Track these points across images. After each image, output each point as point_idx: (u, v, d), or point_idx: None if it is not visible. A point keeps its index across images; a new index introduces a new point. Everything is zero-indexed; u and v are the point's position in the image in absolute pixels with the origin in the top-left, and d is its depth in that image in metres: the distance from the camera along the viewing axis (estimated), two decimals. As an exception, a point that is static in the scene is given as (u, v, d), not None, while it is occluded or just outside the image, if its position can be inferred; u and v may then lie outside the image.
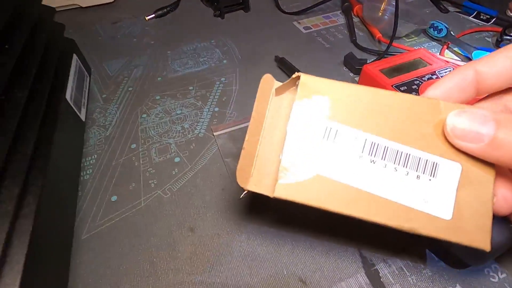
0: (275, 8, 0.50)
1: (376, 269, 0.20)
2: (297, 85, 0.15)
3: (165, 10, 0.50)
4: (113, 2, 0.54)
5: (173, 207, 0.24)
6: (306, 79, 0.16)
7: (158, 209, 0.24)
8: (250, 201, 0.24)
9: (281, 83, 0.17)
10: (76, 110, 0.23)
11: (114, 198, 0.25)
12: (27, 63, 0.16)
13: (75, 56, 0.25)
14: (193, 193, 0.25)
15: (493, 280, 0.20)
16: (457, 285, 0.19)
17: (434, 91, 0.16)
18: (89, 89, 0.29)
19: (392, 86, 0.29)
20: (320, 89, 0.15)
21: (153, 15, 0.49)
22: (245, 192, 0.25)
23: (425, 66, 0.31)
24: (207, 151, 0.28)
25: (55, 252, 0.17)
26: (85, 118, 0.26)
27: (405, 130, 0.14)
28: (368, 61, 0.36)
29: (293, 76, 0.16)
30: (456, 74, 0.16)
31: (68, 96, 0.22)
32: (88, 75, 0.29)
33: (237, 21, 0.48)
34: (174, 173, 0.27)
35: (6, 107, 0.14)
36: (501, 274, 0.20)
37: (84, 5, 0.52)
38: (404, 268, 0.20)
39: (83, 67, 0.28)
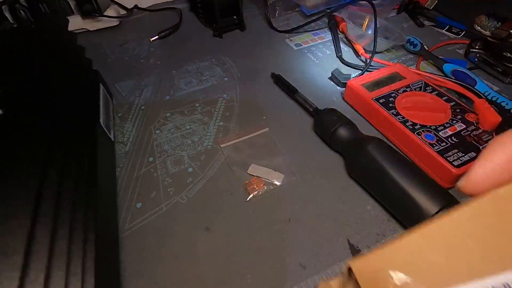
0: (268, 27, 0.55)
1: (362, 254, 0.25)
2: (355, 279, 0.10)
3: (167, 31, 0.54)
4: (118, 25, 0.58)
5: (190, 211, 0.29)
6: (359, 267, 0.10)
7: (178, 213, 0.29)
8: (256, 203, 0.29)
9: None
10: (107, 133, 0.27)
11: (139, 205, 0.29)
12: (77, 97, 0.20)
13: (101, 86, 0.30)
14: (207, 198, 0.30)
15: None
16: None
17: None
18: (113, 112, 0.33)
19: (372, 99, 0.34)
20: (379, 267, 0.10)
21: (157, 36, 0.54)
22: (251, 196, 0.29)
23: (401, 79, 0.36)
24: (215, 161, 0.33)
25: (110, 251, 0.22)
26: (114, 138, 0.30)
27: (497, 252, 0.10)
28: (352, 76, 0.41)
29: (343, 270, 0.10)
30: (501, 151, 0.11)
31: (101, 121, 0.26)
32: (111, 100, 0.33)
33: (234, 40, 0.52)
34: (188, 182, 0.31)
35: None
36: None
37: (91, 29, 0.57)
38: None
39: (107, 95, 0.32)
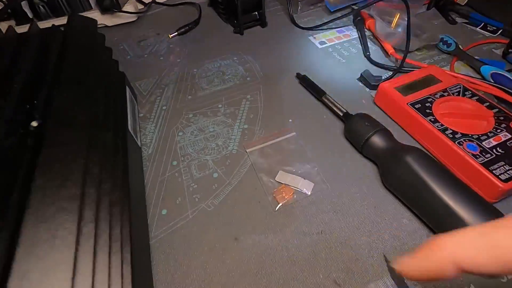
0: (290, 23, 0.53)
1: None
2: None
3: (186, 27, 0.53)
4: (135, 20, 0.57)
5: (217, 219, 0.28)
6: None
7: (204, 221, 0.28)
8: (285, 213, 0.28)
9: None
10: (135, 139, 0.27)
11: (164, 211, 0.29)
12: (109, 104, 0.20)
13: (127, 89, 0.29)
14: (234, 206, 0.29)
15: (502, 280, 0.23)
16: (471, 285, 0.23)
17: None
18: (138, 115, 0.32)
19: (407, 104, 0.32)
20: None
21: (176, 33, 0.52)
22: (280, 205, 0.28)
23: (437, 83, 0.34)
24: (241, 167, 0.32)
25: (143, 257, 0.21)
26: (140, 144, 0.29)
27: None
28: (382, 77, 0.39)
29: None
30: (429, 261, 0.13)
31: (129, 127, 0.25)
32: (136, 103, 0.32)
33: (256, 37, 0.51)
34: (214, 188, 0.30)
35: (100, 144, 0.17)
36: (510, 275, 0.23)
37: (110, 24, 0.56)
38: (424, 271, 0.23)
39: (132, 97, 0.31)
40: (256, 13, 0.51)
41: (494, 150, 0.27)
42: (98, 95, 0.19)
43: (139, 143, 0.28)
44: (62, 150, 0.16)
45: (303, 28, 0.51)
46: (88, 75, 0.21)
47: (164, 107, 0.39)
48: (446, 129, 0.29)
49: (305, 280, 0.24)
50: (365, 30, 0.48)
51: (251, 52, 0.47)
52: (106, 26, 0.56)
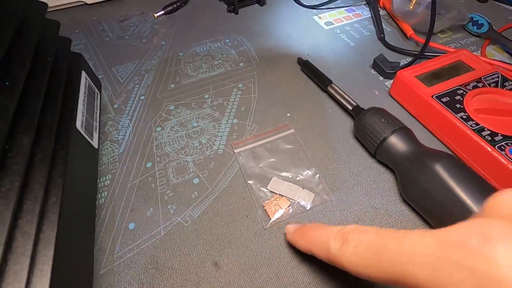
0: (292, 0, 0.46)
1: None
2: None
3: (174, 5, 0.46)
4: (119, -3, 0.51)
5: (194, 237, 0.23)
6: None
7: (179, 239, 0.23)
8: (278, 231, 0.22)
9: None
10: (88, 138, 0.21)
11: (131, 225, 0.23)
12: (31, 96, 0.14)
13: (84, 74, 0.23)
14: (215, 221, 0.23)
15: None
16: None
17: None
18: (100, 108, 0.27)
19: (431, 96, 0.26)
20: None
21: (162, 12, 0.46)
22: (272, 220, 0.23)
23: (468, 71, 0.28)
24: (228, 171, 0.26)
25: None
26: (98, 145, 0.24)
27: None
28: (400, 64, 0.32)
29: None
30: None
31: (78, 124, 0.19)
32: (98, 92, 0.27)
33: (252, 17, 0.44)
34: (193, 197, 0.25)
35: (12, 155, 0.12)
36: None
37: (89, 2, 0.49)
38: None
39: (93, 85, 0.25)
40: (254, -12, 0.45)
41: (546, 158, 0.21)
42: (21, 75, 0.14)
43: (94, 144, 0.23)
44: None
45: (306, 7, 0.44)
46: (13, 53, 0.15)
47: (142, 97, 0.34)
48: (483, 129, 0.23)
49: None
50: (379, 8, 0.41)
51: (246, 34, 0.41)
52: (86, 4, 0.50)
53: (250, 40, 0.40)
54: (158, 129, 0.30)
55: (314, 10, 0.44)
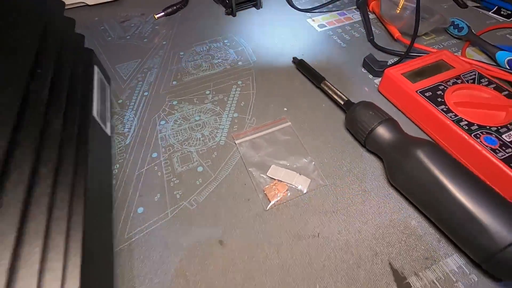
0: (287, 4, 0.49)
1: (408, 282, 0.21)
2: None
3: (174, 7, 0.48)
4: (119, -1, 0.52)
5: (200, 219, 0.24)
6: None
7: (186, 221, 0.24)
8: (277, 212, 0.24)
9: None
10: (102, 126, 0.23)
11: (140, 209, 0.25)
12: (58, 85, 0.16)
13: (96, 68, 0.25)
14: (219, 205, 0.25)
15: (525, 293, 0.20)
16: None
17: None
18: (110, 99, 0.28)
19: (416, 91, 0.29)
20: None
21: (162, 13, 0.48)
22: (271, 203, 0.25)
23: (449, 69, 0.31)
24: (229, 160, 0.28)
25: (102, 263, 0.18)
26: (110, 133, 0.25)
27: None
28: (388, 63, 0.35)
29: None
30: None
31: (95, 112, 0.21)
32: (108, 85, 0.28)
33: (249, 19, 0.46)
34: (198, 183, 0.27)
35: (44, 137, 0.14)
36: (533, 287, 0.20)
37: (90, 3, 0.51)
38: (436, 282, 0.20)
39: (104, 78, 0.27)
40: (250, -8, 0.47)
41: (515, 144, 0.24)
42: (44, 68, 0.15)
43: (108, 132, 0.24)
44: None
45: (300, 10, 0.47)
46: (22, 43, 0.16)
47: (145, 93, 0.35)
48: (461, 120, 0.26)
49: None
50: (369, 12, 0.44)
51: (244, 35, 0.43)
52: (87, 5, 0.51)
53: (248, 41, 0.42)
54: (162, 122, 0.32)
55: (308, 13, 0.46)
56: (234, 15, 0.47)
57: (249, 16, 0.47)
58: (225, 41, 0.42)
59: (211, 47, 0.41)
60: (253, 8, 0.49)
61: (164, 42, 0.43)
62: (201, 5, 0.50)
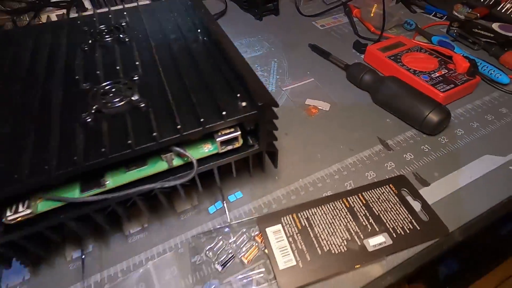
0: (296, 12, 0.70)
1: (386, 142, 0.40)
2: None
3: (216, 16, 0.68)
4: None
5: (271, 126, 0.43)
6: None
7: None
8: (314, 119, 0.44)
9: None
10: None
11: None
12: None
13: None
14: (281, 117, 0.44)
15: (443, 143, 0.40)
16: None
17: None
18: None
19: (385, 57, 0.49)
20: None
21: (209, 20, 0.67)
22: (311, 116, 0.44)
23: (404, 45, 0.52)
24: (281, 97, 0.47)
25: None
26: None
27: None
28: (368, 45, 0.56)
29: None
30: None
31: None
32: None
33: (272, 23, 0.67)
34: (265, 110, 0.45)
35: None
36: (447, 141, 0.40)
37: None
38: (400, 142, 0.40)
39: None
40: (271, 4, 0.68)
41: (437, 78, 0.44)
42: None
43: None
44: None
45: (307, 16, 0.68)
46: None
47: (215, 67, 0.54)
48: (410, 69, 0.46)
49: (332, 150, 0.39)
50: (353, 17, 0.66)
51: (271, 32, 0.63)
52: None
53: (274, 36, 0.62)
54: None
55: (312, 18, 0.67)
56: (261, 20, 0.67)
57: (271, 21, 0.67)
58: (259, 36, 0.62)
59: (250, 40, 0.61)
60: (273, 15, 0.69)
61: (216, 38, 0.62)
62: (235, 14, 0.70)
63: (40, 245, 0.24)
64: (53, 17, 0.64)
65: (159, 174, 0.24)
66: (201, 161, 0.25)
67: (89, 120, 0.23)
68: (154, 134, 0.21)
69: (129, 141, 0.21)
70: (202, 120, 0.22)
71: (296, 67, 0.54)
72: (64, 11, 0.63)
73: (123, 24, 0.36)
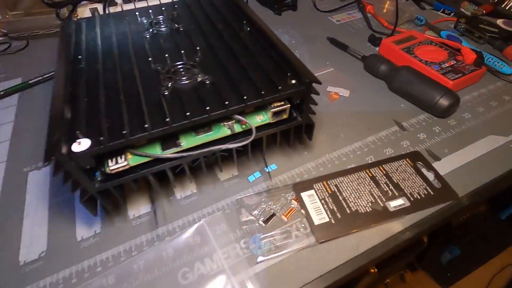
0: (313, 8, 0.74)
1: (401, 124, 0.45)
2: None
3: (239, 10, 0.73)
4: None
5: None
6: None
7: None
8: (335, 103, 0.49)
9: None
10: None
11: (264, 107, 0.48)
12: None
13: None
14: (305, 103, 0.49)
15: (452, 125, 0.45)
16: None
17: None
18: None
19: (399, 49, 0.54)
20: None
21: (231, 14, 0.72)
22: (332, 101, 0.49)
23: (415, 39, 0.57)
24: (304, 86, 0.52)
25: None
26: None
27: None
28: (383, 38, 0.61)
29: None
30: None
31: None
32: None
33: (290, 18, 0.71)
34: (290, 96, 0.50)
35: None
36: (455, 124, 0.45)
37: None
38: (414, 124, 0.45)
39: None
40: (290, 0, 0.72)
41: (447, 68, 0.49)
42: None
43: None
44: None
45: (323, 11, 0.72)
46: None
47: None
48: (422, 60, 0.51)
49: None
50: (367, 12, 0.71)
51: (290, 26, 0.68)
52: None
53: (293, 29, 0.67)
54: (259, 71, 0.56)
55: (328, 13, 0.72)
56: (280, 15, 0.72)
57: (289, 16, 0.72)
58: (279, 30, 0.67)
59: (272, 33, 0.66)
60: (291, 11, 0.74)
61: (240, 31, 0.67)
62: (255, 10, 0.75)
63: (120, 195, 0.29)
64: (87, 12, 0.68)
65: (220, 140, 0.29)
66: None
67: (167, 93, 0.28)
68: (226, 102, 0.26)
69: (207, 107, 0.25)
70: (262, 92, 0.27)
71: (316, 58, 0.59)
72: (97, 5, 0.68)
73: (175, 15, 0.41)
